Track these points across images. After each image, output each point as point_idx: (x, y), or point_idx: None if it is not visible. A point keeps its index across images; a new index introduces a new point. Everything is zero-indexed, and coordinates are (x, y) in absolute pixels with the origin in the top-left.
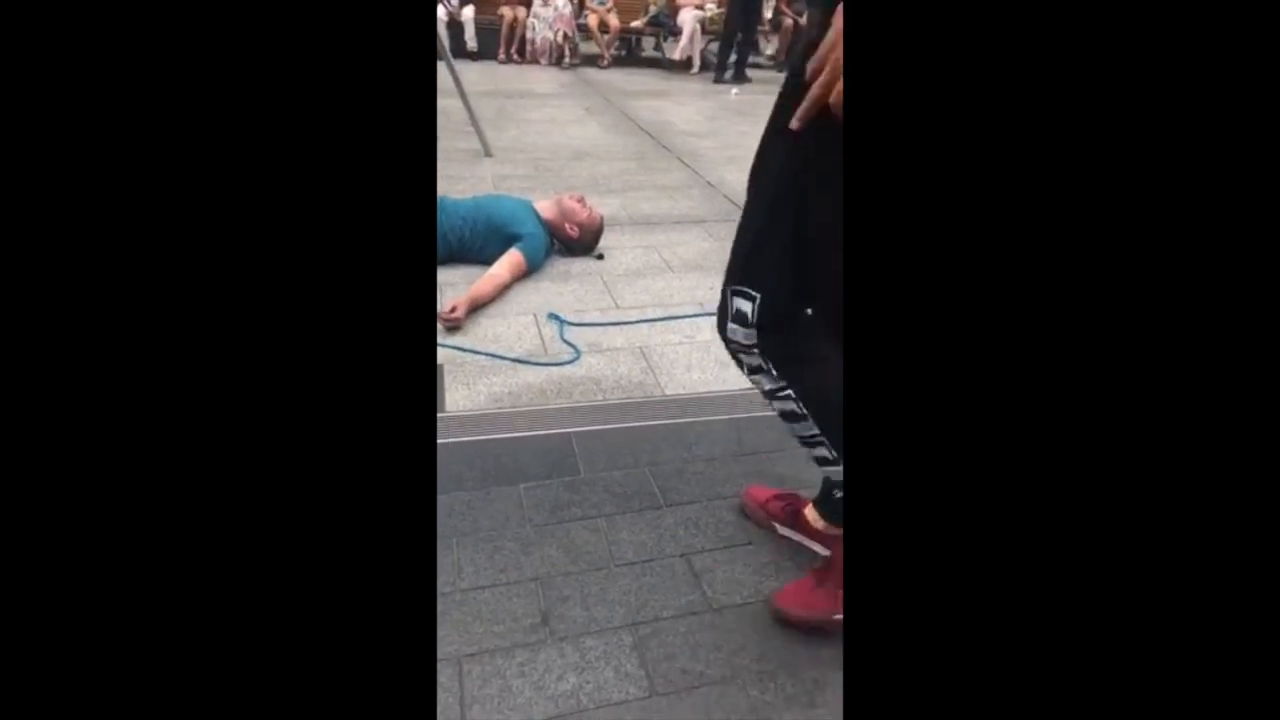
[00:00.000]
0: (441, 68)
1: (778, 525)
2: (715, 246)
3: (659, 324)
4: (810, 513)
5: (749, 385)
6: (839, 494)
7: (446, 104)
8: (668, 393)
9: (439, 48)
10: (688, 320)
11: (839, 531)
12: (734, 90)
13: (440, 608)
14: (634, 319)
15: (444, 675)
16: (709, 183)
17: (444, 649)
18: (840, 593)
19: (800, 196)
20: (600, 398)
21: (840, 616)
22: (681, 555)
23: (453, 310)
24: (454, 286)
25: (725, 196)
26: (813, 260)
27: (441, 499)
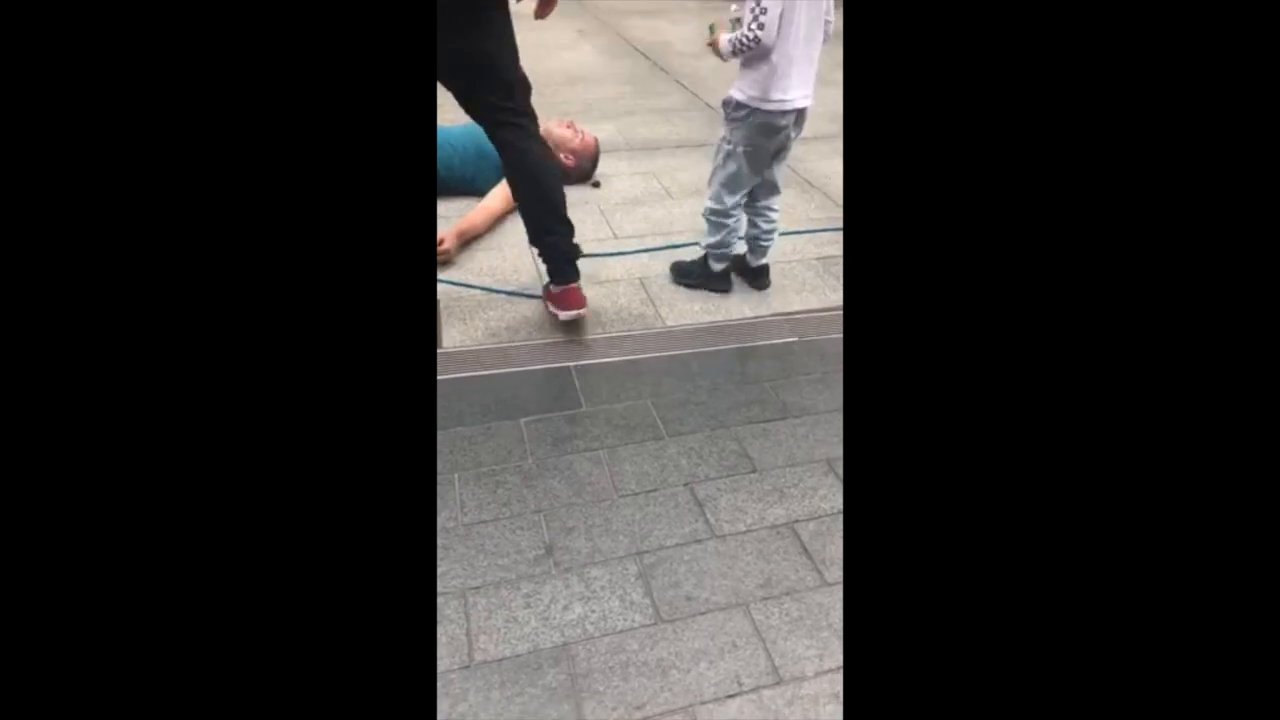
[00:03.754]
0: None
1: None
2: None
3: (658, 253)
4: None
5: (751, 314)
6: (540, 258)
7: None
8: (668, 324)
9: None
10: (687, 249)
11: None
12: (733, 6)
13: (444, 542)
14: (633, 249)
15: (450, 608)
16: (709, 105)
17: (449, 583)
18: (558, 306)
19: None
20: (600, 330)
21: (557, 312)
22: (685, 484)
23: (440, 243)
24: (446, 220)
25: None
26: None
27: (442, 435)
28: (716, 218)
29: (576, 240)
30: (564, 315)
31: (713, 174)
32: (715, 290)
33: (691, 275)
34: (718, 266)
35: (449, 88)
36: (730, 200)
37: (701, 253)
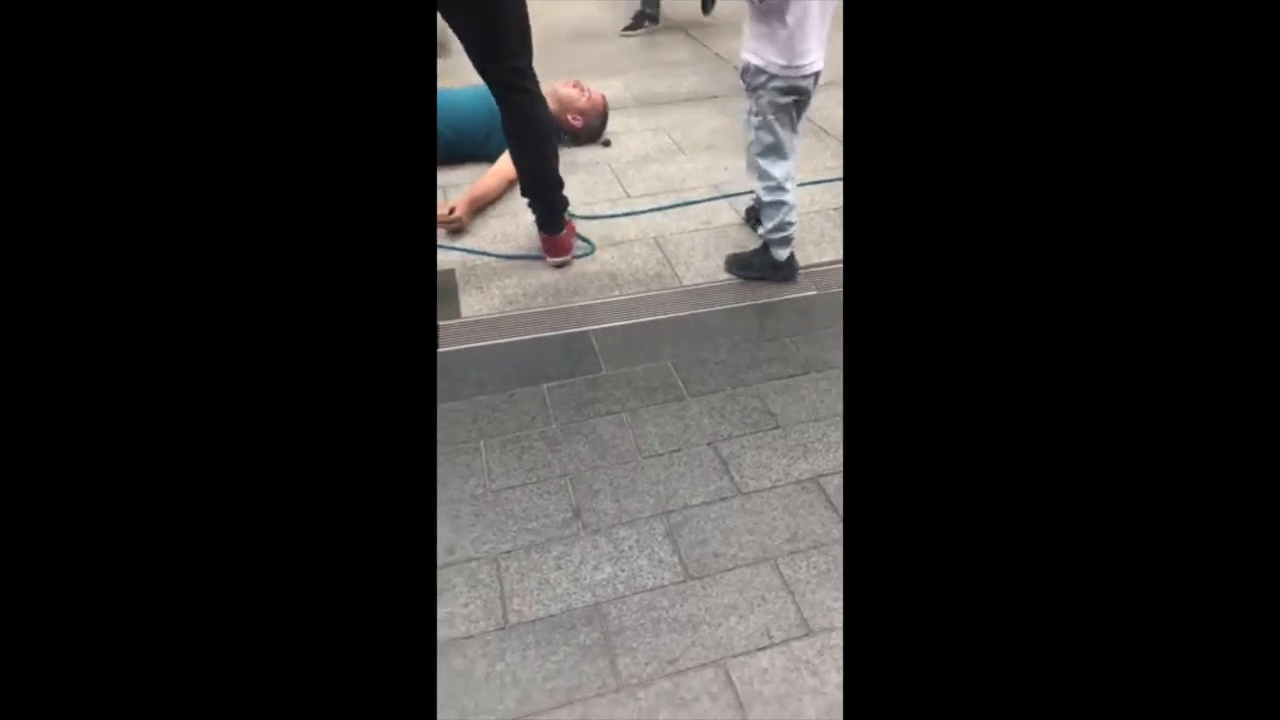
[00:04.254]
0: None
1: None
2: (728, 123)
3: (672, 211)
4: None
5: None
6: (530, 208)
7: None
8: (685, 283)
9: None
10: (702, 205)
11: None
12: None
13: (473, 509)
14: (646, 208)
15: (483, 572)
16: (717, 54)
17: (480, 548)
18: (549, 252)
19: None
20: (617, 293)
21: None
22: (708, 443)
23: (451, 211)
24: (457, 187)
25: (736, 69)
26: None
27: (465, 404)
28: (772, 195)
29: (590, 201)
30: (552, 260)
31: (749, 158)
32: (780, 280)
33: (752, 268)
34: (782, 254)
35: (463, 39)
36: (780, 171)
37: (759, 242)
